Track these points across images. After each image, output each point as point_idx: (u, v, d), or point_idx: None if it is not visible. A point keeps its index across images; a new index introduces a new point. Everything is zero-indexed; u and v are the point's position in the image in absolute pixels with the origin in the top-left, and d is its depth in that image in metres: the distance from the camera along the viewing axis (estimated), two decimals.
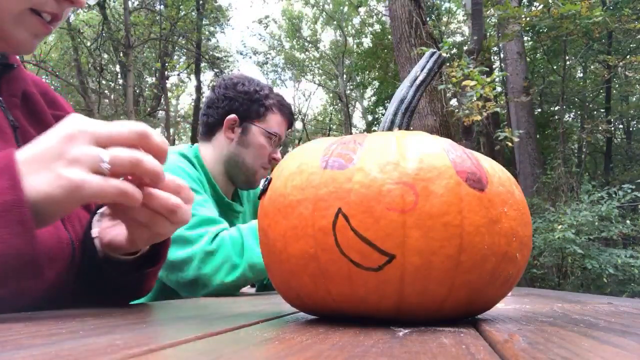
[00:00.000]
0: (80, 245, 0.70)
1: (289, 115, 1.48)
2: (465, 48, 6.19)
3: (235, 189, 1.50)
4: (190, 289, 1.16)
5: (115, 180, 0.49)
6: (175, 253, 1.13)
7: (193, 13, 11.23)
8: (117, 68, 11.07)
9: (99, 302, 0.71)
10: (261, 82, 1.48)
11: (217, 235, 1.17)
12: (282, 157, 1.22)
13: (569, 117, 12.18)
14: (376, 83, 15.39)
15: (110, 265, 0.67)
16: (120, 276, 0.67)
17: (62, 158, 0.48)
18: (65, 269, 0.67)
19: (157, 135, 0.53)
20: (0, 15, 0.62)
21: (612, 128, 10.11)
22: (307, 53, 18.06)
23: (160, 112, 12.08)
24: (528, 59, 9.65)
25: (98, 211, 0.71)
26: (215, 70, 11.49)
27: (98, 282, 0.68)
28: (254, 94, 1.42)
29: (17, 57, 0.75)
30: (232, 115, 1.40)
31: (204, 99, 1.54)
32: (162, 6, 10.76)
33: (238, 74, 1.51)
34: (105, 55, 10.75)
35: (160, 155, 0.52)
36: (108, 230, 0.66)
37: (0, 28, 0.63)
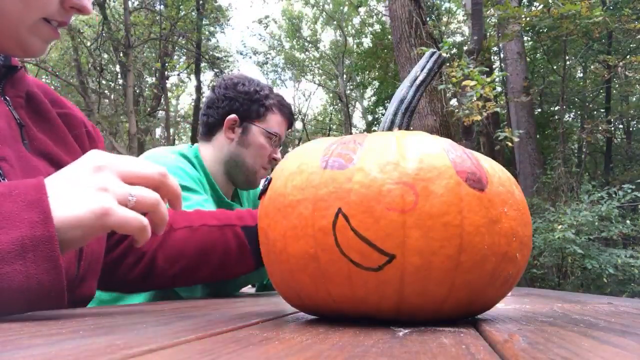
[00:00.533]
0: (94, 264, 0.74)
1: (289, 115, 1.49)
2: (465, 48, 6.18)
3: (235, 189, 1.50)
4: (190, 288, 1.16)
5: (138, 214, 0.52)
6: None
7: (193, 13, 11.22)
8: (117, 68, 11.06)
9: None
10: (261, 82, 1.48)
11: None
12: (282, 157, 1.23)
13: (569, 117, 12.17)
14: (376, 83, 15.39)
15: None
16: None
17: (92, 185, 0.51)
18: (74, 261, 0.69)
19: (173, 179, 0.58)
20: (16, 26, 0.66)
21: (612, 128, 10.10)
22: (307, 53, 18.06)
23: (160, 112, 12.08)
24: (528, 59, 9.65)
25: None
26: (215, 70, 11.49)
27: None
28: (254, 94, 1.42)
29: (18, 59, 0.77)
30: (233, 115, 1.40)
31: (204, 99, 1.54)
32: (162, 6, 10.76)
33: (238, 74, 1.51)
34: (105, 55, 10.75)
35: (175, 199, 0.58)
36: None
37: (16, 37, 0.67)
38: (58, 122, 0.79)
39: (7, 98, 0.71)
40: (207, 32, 11.89)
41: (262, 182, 0.53)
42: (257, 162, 1.42)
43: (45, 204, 0.48)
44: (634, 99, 11.17)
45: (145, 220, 0.52)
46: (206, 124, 1.45)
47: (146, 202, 0.53)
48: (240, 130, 1.41)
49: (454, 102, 5.55)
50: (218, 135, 1.43)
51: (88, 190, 0.50)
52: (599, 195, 5.60)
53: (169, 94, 14.23)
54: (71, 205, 0.49)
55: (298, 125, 17.13)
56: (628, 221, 6.12)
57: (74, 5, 0.69)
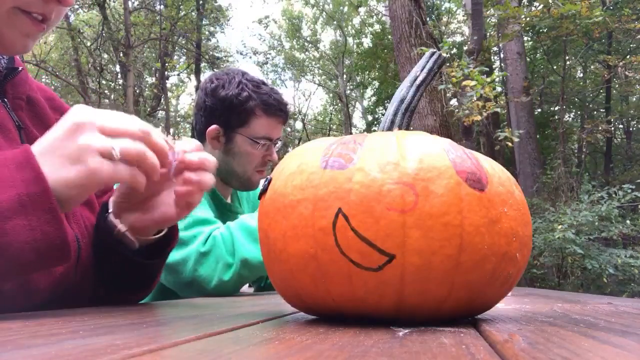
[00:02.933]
0: (87, 243, 0.72)
1: (278, 112, 1.36)
2: (465, 48, 6.19)
3: (234, 190, 1.50)
4: (189, 290, 1.16)
5: (125, 165, 0.53)
6: (171, 255, 1.12)
7: (193, 13, 11.22)
8: (117, 68, 11.07)
9: (106, 298, 0.74)
10: (246, 77, 1.36)
11: (210, 235, 1.16)
12: (281, 155, 1.21)
13: (569, 117, 12.17)
14: (376, 83, 15.40)
15: (129, 251, 0.70)
16: (137, 260, 0.71)
17: (75, 145, 0.52)
18: (72, 265, 0.69)
19: (158, 136, 0.58)
20: None
21: (612, 128, 10.10)
22: (307, 53, 18.06)
23: (160, 112, 12.08)
24: (528, 59, 9.65)
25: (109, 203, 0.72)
26: (215, 70, 11.48)
27: (111, 273, 0.72)
28: (234, 99, 1.31)
29: (19, 58, 0.77)
30: (214, 126, 1.33)
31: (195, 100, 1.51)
32: (162, 6, 10.76)
33: (224, 71, 1.41)
34: (105, 55, 10.75)
35: (161, 157, 0.58)
36: (142, 218, 0.69)
37: None
38: None
39: (6, 100, 0.71)
40: (207, 32, 11.89)
41: (262, 182, 0.53)
42: (247, 169, 1.36)
43: (35, 164, 0.51)
44: (634, 99, 11.16)
45: (133, 169, 0.54)
46: (194, 129, 1.41)
47: (131, 152, 0.53)
48: (224, 140, 1.35)
49: (454, 102, 5.55)
50: (205, 143, 1.38)
51: (73, 151, 0.52)
52: (599, 195, 5.60)
53: (169, 94, 14.23)
54: (59, 168, 0.51)
55: (298, 125, 17.14)
56: (628, 221, 6.12)
57: None
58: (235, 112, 1.32)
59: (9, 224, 0.48)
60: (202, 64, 11.71)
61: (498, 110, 5.07)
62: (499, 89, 5.34)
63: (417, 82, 0.57)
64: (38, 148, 0.53)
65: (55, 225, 0.51)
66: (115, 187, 0.73)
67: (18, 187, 0.49)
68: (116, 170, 0.52)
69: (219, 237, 1.15)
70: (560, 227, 5.31)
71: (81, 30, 10.32)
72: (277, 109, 1.36)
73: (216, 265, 1.13)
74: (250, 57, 16.27)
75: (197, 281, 1.13)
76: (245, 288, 1.63)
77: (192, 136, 1.44)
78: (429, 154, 0.45)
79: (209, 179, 0.64)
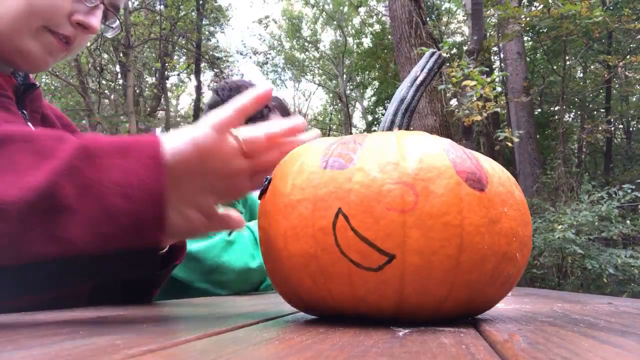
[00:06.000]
0: None
1: (288, 115, 1.55)
2: (465, 48, 6.18)
3: None
4: (207, 278, 1.18)
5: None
6: (194, 245, 1.16)
7: (193, 13, 11.22)
8: (117, 68, 11.06)
9: (115, 302, 0.74)
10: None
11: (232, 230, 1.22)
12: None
13: (569, 117, 12.16)
14: (376, 83, 15.38)
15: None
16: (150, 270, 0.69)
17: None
18: None
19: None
20: (19, 32, 0.68)
21: (612, 128, 10.09)
22: (307, 53, 18.06)
23: (160, 112, 12.07)
24: (528, 59, 9.65)
25: None
26: (215, 70, 11.48)
27: (124, 282, 0.73)
28: None
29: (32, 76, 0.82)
30: None
31: (204, 100, 1.60)
32: (162, 6, 10.76)
33: (238, 79, 1.60)
34: (105, 55, 10.74)
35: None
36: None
37: (18, 43, 0.69)
38: None
39: (25, 112, 0.74)
40: (207, 32, 11.88)
41: (263, 182, 0.53)
42: None
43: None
44: (634, 99, 11.16)
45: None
46: None
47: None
48: None
49: (454, 102, 5.54)
50: None
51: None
52: (599, 195, 5.60)
53: (169, 94, 14.22)
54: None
55: None
56: (628, 221, 6.13)
57: (81, 22, 0.71)
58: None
59: (105, 160, 0.44)
60: (202, 64, 11.70)
61: (498, 110, 5.08)
62: (499, 89, 5.34)
63: (417, 82, 0.57)
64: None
65: (154, 174, 0.44)
66: None
67: (129, 138, 0.47)
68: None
69: (243, 231, 1.22)
70: (560, 227, 5.31)
71: None
72: (288, 112, 1.58)
73: (242, 253, 1.19)
74: (250, 57, 16.28)
75: (221, 267, 1.17)
76: None
77: None
78: (429, 154, 0.45)
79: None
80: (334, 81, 17.51)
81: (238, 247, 1.20)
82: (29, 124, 0.73)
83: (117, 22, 0.80)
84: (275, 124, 0.56)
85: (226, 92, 1.49)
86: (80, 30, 0.72)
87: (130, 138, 0.47)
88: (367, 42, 15.93)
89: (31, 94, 0.76)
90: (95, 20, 0.72)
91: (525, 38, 9.47)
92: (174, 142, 0.48)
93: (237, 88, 1.48)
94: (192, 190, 0.52)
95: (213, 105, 1.49)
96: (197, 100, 10.90)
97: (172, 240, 0.66)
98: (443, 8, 12.90)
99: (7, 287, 0.44)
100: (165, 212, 0.46)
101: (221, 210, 0.56)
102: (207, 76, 13.77)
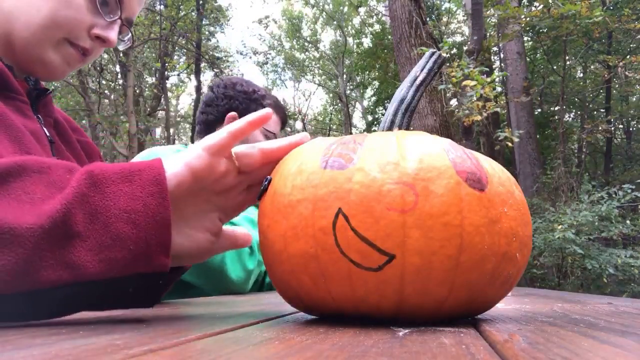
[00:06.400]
0: None
1: (283, 116, 1.55)
2: (465, 48, 6.18)
3: None
4: (211, 274, 1.17)
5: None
6: None
7: (193, 13, 11.21)
8: (117, 68, 11.06)
9: (122, 305, 0.74)
10: (257, 85, 1.55)
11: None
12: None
13: (569, 117, 12.16)
14: (376, 83, 15.38)
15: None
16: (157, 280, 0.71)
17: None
18: None
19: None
20: (41, 43, 0.72)
21: (612, 128, 10.09)
22: (307, 53, 18.05)
23: (160, 112, 12.07)
24: (528, 59, 9.65)
25: None
26: (215, 70, 11.48)
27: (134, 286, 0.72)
28: (253, 93, 1.48)
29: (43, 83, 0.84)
30: (233, 113, 1.45)
31: (202, 98, 1.60)
32: (162, 6, 10.75)
33: (234, 77, 1.60)
34: (105, 55, 10.73)
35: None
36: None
37: (40, 53, 0.72)
38: (79, 148, 0.85)
39: (39, 116, 0.76)
40: (207, 32, 11.88)
41: (263, 182, 0.53)
42: None
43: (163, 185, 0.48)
44: (634, 99, 11.16)
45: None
46: (205, 122, 1.49)
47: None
48: None
49: (454, 102, 5.54)
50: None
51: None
52: (599, 195, 5.60)
53: (169, 94, 14.22)
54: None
55: (298, 125, 17.13)
56: (628, 221, 6.12)
57: (100, 35, 0.74)
58: (254, 103, 1.48)
59: (111, 188, 0.46)
60: (202, 64, 11.70)
61: (498, 110, 5.07)
62: (499, 89, 5.34)
63: (417, 82, 0.57)
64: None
65: (159, 199, 0.46)
66: None
67: (130, 164, 0.49)
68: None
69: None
70: (560, 227, 5.31)
71: None
72: (284, 113, 1.56)
73: (238, 264, 1.18)
74: (250, 57, 16.27)
75: (223, 268, 1.16)
76: None
77: (195, 133, 1.55)
78: (429, 154, 0.45)
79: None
80: (334, 81, 17.51)
81: (235, 255, 1.18)
82: (44, 128, 0.75)
83: (130, 35, 0.83)
84: (272, 142, 0.57)
85: (221, 89, 1.49)
86: (98, 44, 0.76)
87: (133, 164, 0.49)
88: (367, 42, 15.94)
89: (43, 99, 0.78)
90: (113, 34, 0.76)
91: (525, 38, 9.47)
92: (171, 167, 0.51)
93: (233, 85, 1.48)
94: (193, 210, 0.54)
95: (208, 102, 1.50)
96: (197, 100, 10.89)
97: (185, 263, 0.68)
98: (443, 8, 12.90)
99: (20, 313, 0.46)
100: (170, 237, 0.47)
101: (229, 228, 0.58)
102: (207, 76, 13.76)
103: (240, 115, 1.45)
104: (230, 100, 1.47)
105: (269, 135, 1.47)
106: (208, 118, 1.48)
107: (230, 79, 1.54)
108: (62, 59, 0.74)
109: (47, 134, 0.75)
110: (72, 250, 0.44)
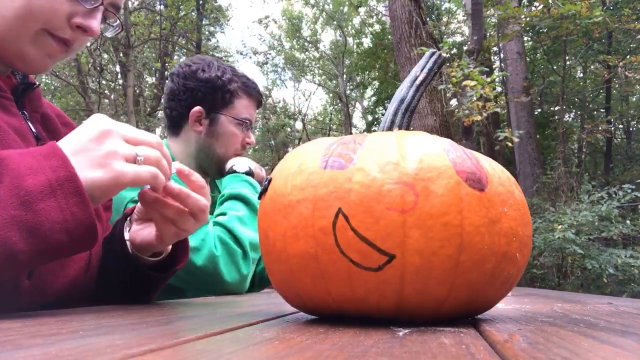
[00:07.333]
0: (97, 250, 0.77)
1: (256, 96, 1.42)
2: (465, 48, 6.18)
3: (211, 180, 1.47)
4: (207, 279, 1.14)
5: (146, 166, 0.58)
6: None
7: (193, 13, 11.21)
8: (117, 68, 11.05)
9: (115, 300, 0.77)
10: (221, 63, 1.39)
11: (214, 237, 1.17)
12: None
13: (569, 117, 12.16)
14: (376, 83, 15.39)
15: (140, 264, 0.75)
16: (147, 274, 0.75)
17: (103, 150, 0.56)
18: (83, 269, 0.73)
19: (166, 149, 0.63)
20: (18, 36, 0.68)
21: (612, 128, 10.09)
22: (307, 53, 18.05)
23: (160, 112, 12.07)
24: (528, 59, 9.65)
25: (128, 218, 0.79)
26: None
27: (124, 281, 0.76)
28: (217, 80, 1.33)
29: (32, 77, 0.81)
30: (197, 108, 1.32)
31: (165, 89, 1.44)
32: (162, 6, 10.75)
33: (196, 58, 1.40)
34: (105, 55, 10.73)
35: (168, 162, 0.63)
36: (138, 232, 0.74)
37: (18, 47, 0.69)
38: None
39: (25, 112, 0.75)
40: (207, 32, 11.88)
41: (263, 182, 0.53)
42: (229, 151, 1.37)
43: (61, 153, 0.53)
44: (634, 99, 11.16)
45: (154, 169, 0.59)
46: (170, 117, 1.38)
47: (151, 159, 0.59)
48: (207, 122, 1.34)
49: (454, 102, 5.54)
50: (185, 128, 1.36)
51: (100, 155, 0.55)
52: (599, 195, 5.60)
53: None
54: (87, 169, 0.54)
55: (298, 125, 17.13)
56: (628, 221, 6.12)
57: (80, 25, 0.70)
58: (220, 92, 1.34)
59: (40, 205, 0.50)
60: None
61: (498, 110, 5.07)
62: (499, 89, 5.34)
63: (417, 82, 0.57)
64: (65, 146, 0.55)
65: (82, 207, 0.52)
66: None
67: (47, 174, 0.51)
68: (138, 174, 0.57)
69: (225, 241, 1.16)
70: (560, 227, 5.31)
71: None
72: (256, 91, 1.42)
73: (233, 259, 1.15)
74: (250, 57, 16.27)
75: (212, 268, 1.13)
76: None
77: (166, 126, 1.43)
78: (429, 154, 0.45)
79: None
80: (334, 81, 17.50)
81: (227, 257, 1.15)
82: (29, 123, 0.73)
83: (118, 21, 0.79)
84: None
85: (181, 79, 1.34)
86: (80, 33, 0.71)
87: (50, 174, 0.52)
88: (367, 42, 15.94)
89: (30, 93, 0.76)
90: (95, 23, 0.71)
91: (525, 38, 9.47)
92: (85, 172, 0.55)
93: (193, 74, 1.33)
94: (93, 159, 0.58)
95: (170, 96, 1.37)
96: None
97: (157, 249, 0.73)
98: (443, 8, 12.91)
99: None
100: (97, 236, 0.55)
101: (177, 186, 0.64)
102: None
103: (206, 108, 1.33)
104: (193, 93, 1.32)
105: (242, 123, 1.37)
106: (173, 114, 1.36)
107: (190, 64, 1.36)
108: (42, 51, 0.70)
109: (33, 130, 0.73)
110: (14, 262, 0.50)
